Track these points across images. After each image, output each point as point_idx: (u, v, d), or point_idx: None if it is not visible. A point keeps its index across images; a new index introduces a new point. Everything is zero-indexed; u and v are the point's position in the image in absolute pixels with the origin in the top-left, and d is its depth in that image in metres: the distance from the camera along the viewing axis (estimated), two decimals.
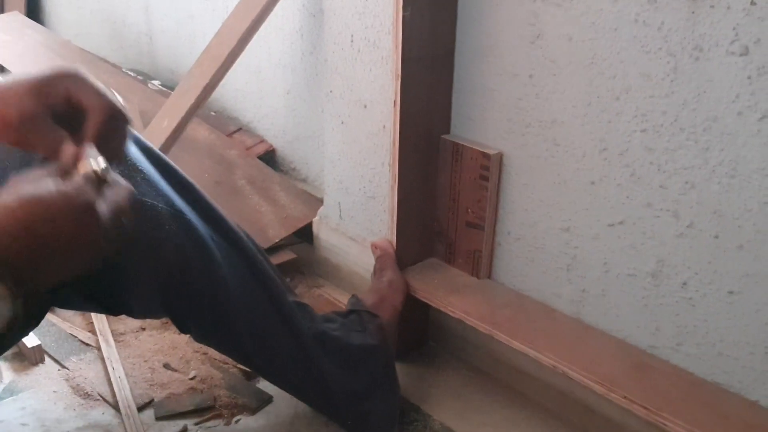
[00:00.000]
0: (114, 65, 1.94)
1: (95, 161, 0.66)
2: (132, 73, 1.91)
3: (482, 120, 1.10)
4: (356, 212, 1.38)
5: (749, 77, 0.80)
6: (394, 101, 1.06)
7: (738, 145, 0.83)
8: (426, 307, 1.20)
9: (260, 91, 1.61)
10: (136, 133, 0.92)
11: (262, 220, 1.47)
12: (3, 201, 0.61)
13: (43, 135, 0.67)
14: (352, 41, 1.26)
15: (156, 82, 1.88)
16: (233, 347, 0.99)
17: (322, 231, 1.47)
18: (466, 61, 1.09)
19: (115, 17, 2.19)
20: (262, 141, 1.65)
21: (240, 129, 1.69)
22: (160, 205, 0.87)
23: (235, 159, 1.58)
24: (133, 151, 0.89)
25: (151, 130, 1.37)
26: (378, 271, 1.18)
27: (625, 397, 0.91)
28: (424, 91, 1.09)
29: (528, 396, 1.16)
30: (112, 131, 0.71)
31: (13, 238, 0.60)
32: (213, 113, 1.75)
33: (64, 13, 2.46)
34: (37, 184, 0.62)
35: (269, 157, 1.63)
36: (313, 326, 1.01)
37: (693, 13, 0.83)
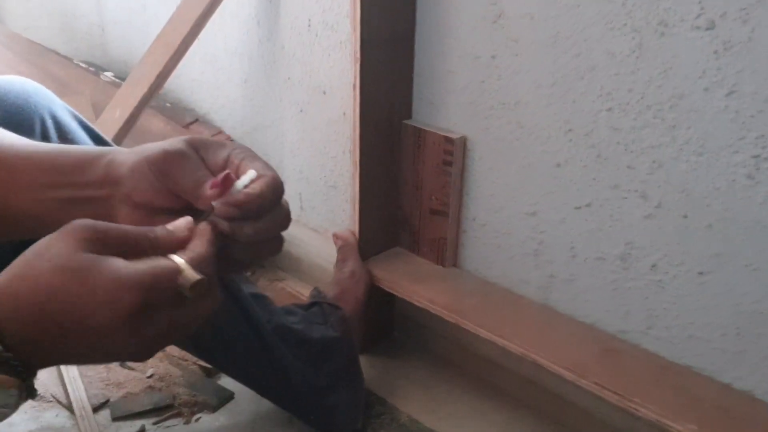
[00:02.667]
0: (65, 57, 1.88)
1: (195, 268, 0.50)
2: (84, 65, 1.85)
3: (444, 104, 1.07)
4: (317, 202, 1.35)
5: (715, 52, 0.79)
6: (354, 85, 1.03)
7: (705, 122, 0.81)
8: (391, 297, 1.17)
9: (216, 80, 1.56)
10: (87, 122, 0.89)
11: None
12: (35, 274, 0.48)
13: (190, 170, 0.56)
14: (309, 25, 1.23)
15: (109, 74, 1.82)
16: (191, 341, 0.96)
17: None
18: (426, 43, 1.06)
19: (65, 8, 2.12)
20: (220, 132, 1.60)
21: (197, 120, 1.64)
22: None
23: None
24: (83, 137, 0.85)
25: (102, 121, 1.32)
26: (339, 262, 1.15)
27: (595, 383, 0.89)
28: (385, 74, 1.06)
29: (496, 385, 1.14)
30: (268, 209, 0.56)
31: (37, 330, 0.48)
32: (168, 104, 1.70)
33: (12, 5, 2.39)
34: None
35: None
36: (272, 319, 0.98)
37: None
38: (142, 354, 0.52)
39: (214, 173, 0.56)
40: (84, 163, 0.61)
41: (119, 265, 0.48)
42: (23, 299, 0.47)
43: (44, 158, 0.61)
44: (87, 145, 0.74)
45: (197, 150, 0.57)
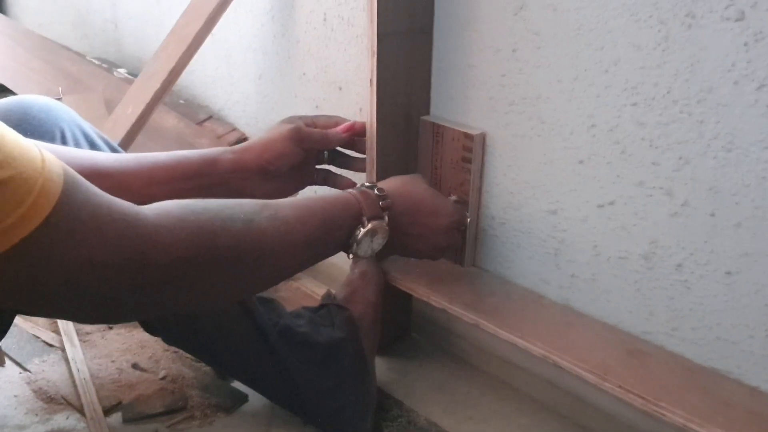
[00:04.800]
0: (77, 53, 1.86)
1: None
2: (97, 62, 1.83)
3: (463, 99, 1.05)
4: None
5: (746, 44, 0.76)
6: (371, 80, 1.01)
7: (734, 117, 0.78)
8: (408, 297, 1.15)
9: (231, 76, 1.54)
10: (106, 137, 0.94)
11: None
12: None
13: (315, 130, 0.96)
14: (325, 20, 1.21)
15: (122, 70, 1.81)
16: (201, 347, 0.96)
17: None
18: (446, 36, 1.04)
19: (78, 5, 2.11)
20: (234, 129, 1.58)
21: (210, 117, 1.63)
22: None
23: (206, 148, 1.52)
24: (103, 149, 0.90)
25: (115, 118, 1.31)
26: (353, 262, 1.13)
27: (620, 387, 0.86)
28: (402, 69, 1.04)
29: (516, 387, 1.12)
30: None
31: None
32: (182, 101, 1.68)
33: (25, 2, 2.38)
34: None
35: None
36: (279, 322, 0.97)
37: None
38: (439, 254, 0.98)
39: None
40: (210, 160, 0.87)
41: (448, 201, 0.99)
42: (404, 197, 0.90)
43: (171, 161, 0.83)
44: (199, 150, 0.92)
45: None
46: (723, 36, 0.77)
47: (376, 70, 1.00)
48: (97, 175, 0.73)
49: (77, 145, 0.89)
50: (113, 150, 0.92)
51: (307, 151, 0.95)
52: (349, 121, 1.01)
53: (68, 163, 0.69)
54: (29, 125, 0.85)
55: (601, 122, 0.90)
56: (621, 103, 0.87)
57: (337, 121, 1.00)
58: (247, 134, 1.56)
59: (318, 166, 1.04)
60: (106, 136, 0.94)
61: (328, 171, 1.05)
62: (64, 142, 0.88)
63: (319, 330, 1.00)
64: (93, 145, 0.91)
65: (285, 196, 0.91)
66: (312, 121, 0.96)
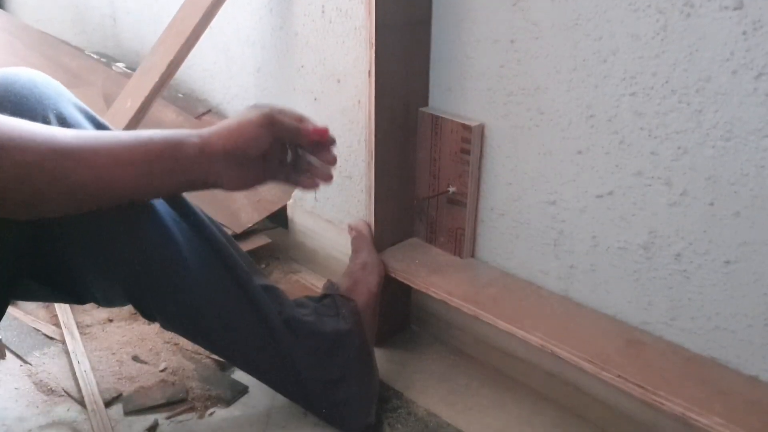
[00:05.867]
0: (76, 48, 1.86)
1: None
2: (95, 56, 1.83)
3: (462, 90, 1.05)
4: (332, 193, 1.33)
5: (744, 33, 0.76)
6: (369, 71, 1.01)
7: (733, 106, 0.78)
8: (407, 289, 1.15)
9: (229, 70, 1.54)
10: (93, 113, 0.89)
11: (234, 205, 1.41)
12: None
13: (289, 122, 0.88)
14: (323, 12, 1.21)
15: (120, 65, 1.81)
16: (200, 334, 0.95)
17: (297, 214, 1.42)
18: (444, 27, 1.04)
19: (77, 0, 2.11)
20: None
21: (209, 111, 1.63)
22: None
23: None
24: (88, 128, 0.86)
25: (114, 111, 1.31)
26: (353, 253, 1.13)
27: (618, 376, 0.86)
28: (401, 61, 1.03)
29: (516, 378, 1.12)
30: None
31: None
32: (181, 95, 1.68)
33: None
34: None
35: None
36: (283, 311, 0.96)
37: None
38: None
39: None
40: (175, 143, 0.80)
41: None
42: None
43: (134, 142, 0.78)
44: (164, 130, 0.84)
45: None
46: (721, 25, 0.77)
47: (375, 62, 1.00)
48: (57, 154, 0.72)
49: (60, 124, 0.85)
50: (100, 127, 0.88)
51: (276, 140, 0.88)
52: (321, 126, 0.91)
53: (23, 140, 0.70)
54: (9, 102, 0.80)
55: (600, 112, 0.90)
56: (619, 93, 0.87)
57: (302, 118, 0.91)
58: None
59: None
60: (95, 115, 0.89)
61: (291, 169, 0.95)
62: (46, 122, 0.83)
63: (323, 320, 1.00)
64: (77, 125, 0.85)
65: (250, 185, 0.89)
66: (281, 111, 0.90)
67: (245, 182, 0.88)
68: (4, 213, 0.74)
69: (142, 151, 0.78)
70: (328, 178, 0.95)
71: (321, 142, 0.91)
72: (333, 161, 0.94)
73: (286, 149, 0.93)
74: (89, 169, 0.75)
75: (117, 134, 0.79)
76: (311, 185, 0.95)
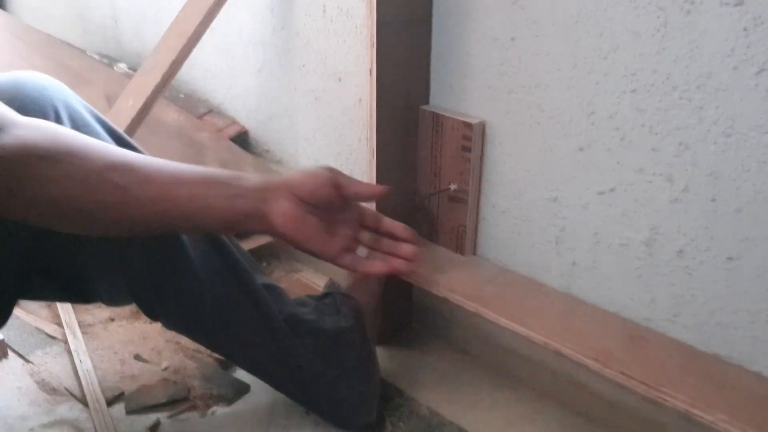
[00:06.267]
0: (78, 49, 1.86)
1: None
2: (97, 57, 1.83)
3: (462, 88, 1.05)
4: None
5: (745, 29, 0.76)
6: (370, 70, 1.01)
7: (734, 102, 0.78)
8: (408, 287, 1.15)
9: (230, 70, 1.54)
10: (100, 115, 0.91)
11: None
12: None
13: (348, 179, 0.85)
14: (324, 11, 1.21)
15: (122, 65, 1.81)
16: (202, 332, 0.95)
17: None
18: (444, 25, 1.04)
19: (79, 1, 2.11)
20: (234, 122, 1.58)
21: (211, 111, 1.63)
22: None
23: (206, 141, 1.52)
24: (97, 129, 0.88)
25: (116, 111, 1.31)
26: None
27: (621, 373, 0.86)
28: (402, 59, 1.03)
29: (518, 376, 1.12)
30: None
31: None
32: (182, 95, 1.68)
33: None
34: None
35: (242, 139, 1.57)
36: (284, 309, 0.97)
37: None
38: None
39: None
40: (236, 176, 0.80)
41: None
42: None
43: (198, 170, 0.79)
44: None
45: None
46: (722, 21, 0.77)
47: (376, 61, 1.00)
48: (116, 167, 0.74)
49: (72, 126, 0.86)
50: (110, 130, 0.89)
51: (339, 199, 0.83)
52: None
53: (88, 151, 0.73)
54: (21, 103, 0.81)
55: (601, 109, 0.90)
56: (620, 89, 0.87)
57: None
58: (247, 127, 1.56)
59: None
60: (103, 117, 0.90)
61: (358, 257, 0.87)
62: (57, 121, 0.84)
63: (324, 318, 1.00)
64: (87, 126, 0.87)
65: (304, 232, 0.81)
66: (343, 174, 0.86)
67: (301, 224, 0.81)
68: (62, 225, 0.76)
69: (203, 173, 0.79)
70: (412, 258, 0.88)
71: (381, 197, 0.88)
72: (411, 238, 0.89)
73: (354, 226, 0.87)
74: (151, 184, 0.75)
75: (173, 162, 0.81)
76: (380, 268, 0.87)
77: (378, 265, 0.87)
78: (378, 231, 0.89)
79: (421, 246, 0.88)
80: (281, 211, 0.79)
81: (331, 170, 0.83)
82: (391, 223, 0.89)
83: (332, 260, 0.85)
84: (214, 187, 0.78)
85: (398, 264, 0.87)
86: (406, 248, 0.88)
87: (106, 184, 0.72)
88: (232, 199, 0.78)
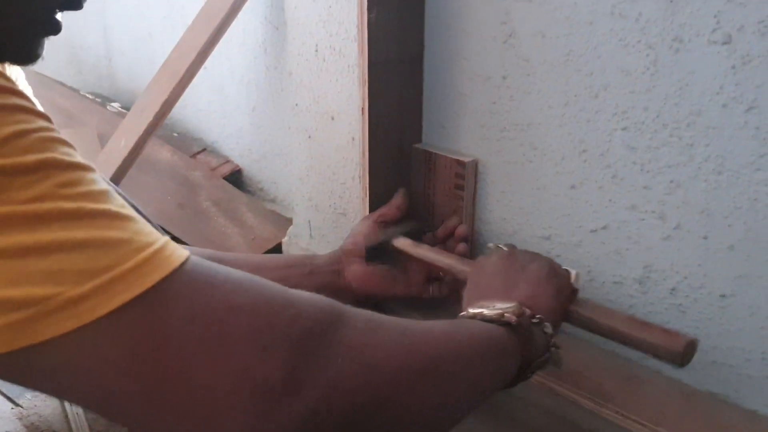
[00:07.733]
0: (71, 88, 1.87)
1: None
2: (90, 96, 1.84)
3: (455, 126, 1.05)
4: (327, 230, 1.32)
5: (733, 67, 0.76)
6: (362, 109, 1.01)
7: (724, 140, 0.79)
8: None
9: (224, 109, 1.55)
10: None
11: (228, 243, 1.41)
12: None
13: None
14: (316, 51, 1.22)
15: (116, 105, 1.82)
16: None
17: (292, 251, 1.41)
18: (436, 64, 1.05)
19: (72, 41, 2.12)
20: (228, 161, 1.59)
21: (204, 150, 1.63)
22: None
23: (200, 180, 1.52)
24: None
25: (108, 150, 1.31)
26: None
27: (617, 412, 0.85)
28: (394, 97, 1.04)
29: (513, 415, 1.10)
30: None
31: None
32: (176, 134, 1.69)
33: None
34: None
35: (236, 178, 1.57)
36: None
37: (671, 2, 0.79)
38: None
39: None
40: (309, 257, 0.99)
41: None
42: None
43: (276, 257, 0.97)
44: None
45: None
46: (711, 59, 0.78)
47: (368, 99, 1.01)
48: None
49: None
50: None
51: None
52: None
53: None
54: None
55: (592, 147, 0.90)
56: (611, 127, 0.87)
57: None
58: (241, 166, 1.56)
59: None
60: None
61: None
62: None
63: None
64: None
65: (375, 284, 0.99)
66: None
67: (371, 276, 0.98)
68: None
69: (282, 259, 1.05)
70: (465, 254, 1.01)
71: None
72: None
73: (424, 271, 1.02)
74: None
75: (254, 254, 0.99)
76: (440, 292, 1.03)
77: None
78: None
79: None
80: (353, 275, 0.97)
81: (367, 217, 1.03)
82: (450, 222, 1.05)
83: (419, 295, 1.01)
84: (293, 269, 0.93)
85: None
86: (461, 247, 1.01)
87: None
88: (309, 276, 0.94)
